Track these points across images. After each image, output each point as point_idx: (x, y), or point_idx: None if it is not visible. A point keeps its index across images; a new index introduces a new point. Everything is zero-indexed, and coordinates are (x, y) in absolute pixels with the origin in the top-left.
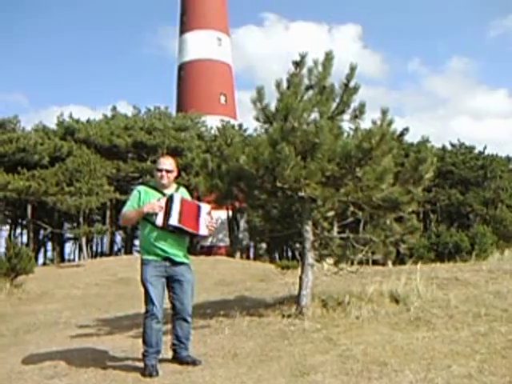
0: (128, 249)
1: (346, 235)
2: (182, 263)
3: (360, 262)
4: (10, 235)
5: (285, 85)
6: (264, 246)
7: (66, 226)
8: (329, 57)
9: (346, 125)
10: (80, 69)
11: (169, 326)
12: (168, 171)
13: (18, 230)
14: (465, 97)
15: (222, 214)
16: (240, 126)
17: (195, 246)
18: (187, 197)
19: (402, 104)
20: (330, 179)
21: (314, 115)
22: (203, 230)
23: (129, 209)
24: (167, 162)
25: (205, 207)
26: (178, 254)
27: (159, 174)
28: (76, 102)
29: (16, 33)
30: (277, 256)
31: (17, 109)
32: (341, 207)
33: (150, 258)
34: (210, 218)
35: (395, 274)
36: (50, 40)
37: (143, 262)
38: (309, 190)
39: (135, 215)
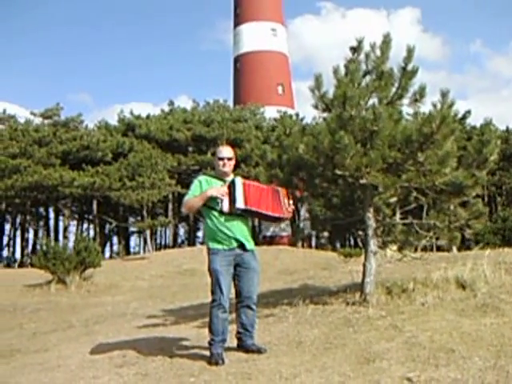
0: (191, 241)
1: (409, 221)
2: (249, 250)
3: (424, 248)
4: (77, 230)
5: (342, 71)
6: (326, 234)
7: (131, 219)
8: (386, 40)
9: (406, 109)
10: (141, 67)
11: (233, 315)
12: (229, 159)
13: (85, 225)
14: None
15: None
16: (297, 115)
17: (258, 235)
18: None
19: (465, 87)
20: (391, 166)
21: (373, 101)
22: (285, 213)
23: (190, 196)
24: (227, 150)
25: (281, 190)
26: (248, 240)
27: (221, 162)
28: (138, 99)
29: (82, 36)
30: (338, 244)
31: (82, 108)
32: (403, 193)
33: (220, 246)
34: (288, 201)
35: (461, 260)
36: (113, 40)
37: (212, 252)
38: (370, 177)
39: (199, 200)
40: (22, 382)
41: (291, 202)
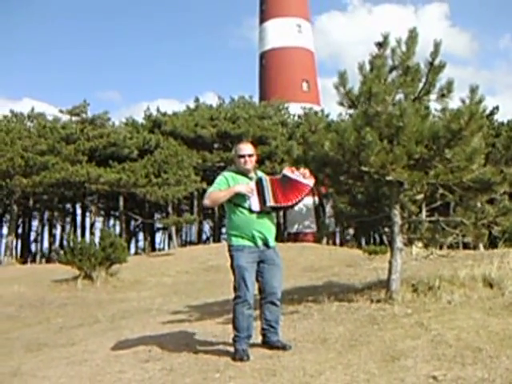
0: (216, 237)
1: (435, 218)
2: (272, 247)
3: (450, 246)
4: (103, 226)
5: (368, 67)
6: (351, 231)
7: (156, 216)
8: (412, 34)
9: (433, 105)
10: (169, 64)
11: (258, 312)
12: (250, 155)
13: (111, 221)
14: None
15: (309, 201)
16: (322, 111)
17: (282, 232)
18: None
19: (493, 82)
20: (417, 162)
21: (399, 97)
22: (307, 181)
23: (215, 189)
24: (247, 148)
25: (287, 171)
26: (272, 237)
27: (242, 160)
28: (165, 96)
29: (111, 33)
30: (363, 241)
31: (109, 105)
32: (430, 190)
33: (245, 243)
34: (299, 172)
35: (488, 258)
36: (141, 38)
37: (236, 248)
38: (396, 174)
39: (225, 194)
40: (50, 375)
41: (302, 170)
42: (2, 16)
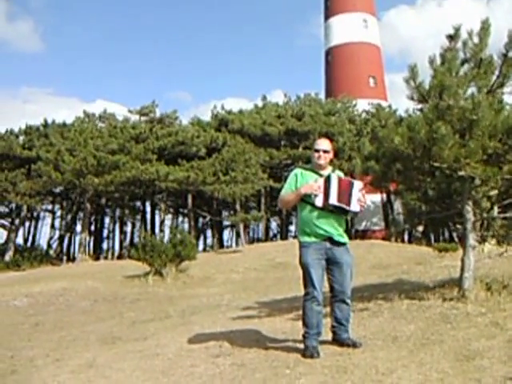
0: (283, 234)
1: (509, 215)
2: (341, 244)
3: None
4: (172, 224)
5: (438, 61)
6: (420, 228)
7: (224, 213)
8: (485, 26)
9: (507, 98)
10: (238, 64)
11: (328, 309)
12: (325, 151)
13: (180, 219)
14: None
15: (377, 198)
16: (390, 107)
17: (350, 229)
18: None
19: None
20: (491, 157)
21: (472, 90)
22: (354, 206)
23: (287, 191)
24: (324, 143)
25: (357, 184)
26: (339, 234)
27: (316, 154)
28: (234, 95)
29: (185, 41)
30: (432, 239)
31: (179, 105)
32: (504, 185)
33: (311, 240)
34: (362, 195)
35: None
36: (211, 40)
37: (303, 245)
38: (469, 169)
39: (294, 197)
40: (124, 368)
41: (365, 196)
42: (77, 23)
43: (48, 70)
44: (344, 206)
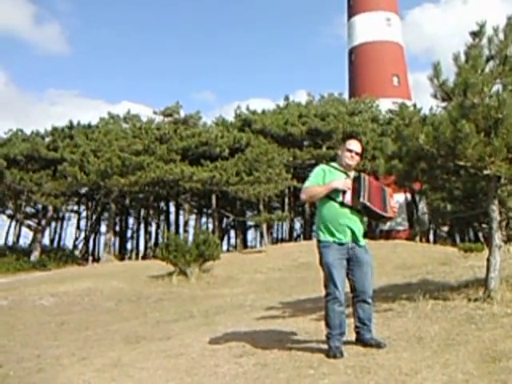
0: (307, 235)
1: None
2: (361, 245)
3: None
4: (196, 224)
5: (463, 58)
6: (445, 228)
7: (248, 213)
8: (510, 22)
9: None
10: (262, 64)
11: (350, 309)
12: (357, 153)
13: (204, 219)
14: None
15: (400, 198)
16: (414, 106)
17: (374, 229)
18: None
19: None
20: None
21: (497, 87)
22: (389, 212)
23: (313, 184)
24: (358, 145)
25: (388, 190)
26: (361, 235)
27: (349, 154)
28: (257, 96)
29: (207, 33)
30: (457, 239)
31: (203, 106)
32: None
33: (333, 239)
34: (393, 201)
35: None
36: (235, 38)
37: (324, 245)
38: (494, 167)
39: (323, 190)
40: (148, 367)
41: (395, 202)
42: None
43: (74, 72)
44: (376, 209)
